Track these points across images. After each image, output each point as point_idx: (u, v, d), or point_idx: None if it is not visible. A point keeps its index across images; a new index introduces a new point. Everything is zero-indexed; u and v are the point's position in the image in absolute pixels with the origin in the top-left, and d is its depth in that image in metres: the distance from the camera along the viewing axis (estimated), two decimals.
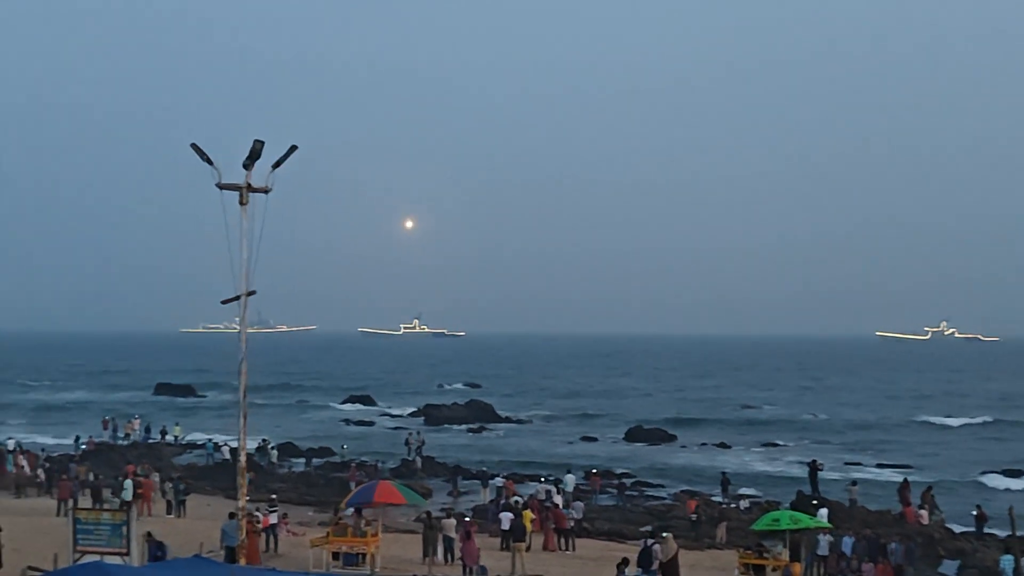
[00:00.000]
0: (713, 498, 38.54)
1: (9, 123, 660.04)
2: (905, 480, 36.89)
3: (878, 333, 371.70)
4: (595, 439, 65.83)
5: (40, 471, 40.11)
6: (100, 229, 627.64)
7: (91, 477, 37.61)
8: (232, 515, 25.52)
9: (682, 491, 43.08)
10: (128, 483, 32.98)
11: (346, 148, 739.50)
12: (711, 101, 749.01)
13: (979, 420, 79.06)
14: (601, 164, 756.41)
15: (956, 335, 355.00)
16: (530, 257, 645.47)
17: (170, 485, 34.66)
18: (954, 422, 78.09)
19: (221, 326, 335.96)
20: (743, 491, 42.01)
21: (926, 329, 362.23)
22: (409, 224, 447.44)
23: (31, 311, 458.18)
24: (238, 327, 16.88)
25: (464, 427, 70.92)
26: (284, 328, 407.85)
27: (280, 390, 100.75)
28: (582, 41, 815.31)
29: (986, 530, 32.61)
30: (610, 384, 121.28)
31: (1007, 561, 24.16)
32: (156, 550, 21.08)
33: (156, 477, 36.27)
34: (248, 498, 18.28)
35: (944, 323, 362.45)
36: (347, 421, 75.30)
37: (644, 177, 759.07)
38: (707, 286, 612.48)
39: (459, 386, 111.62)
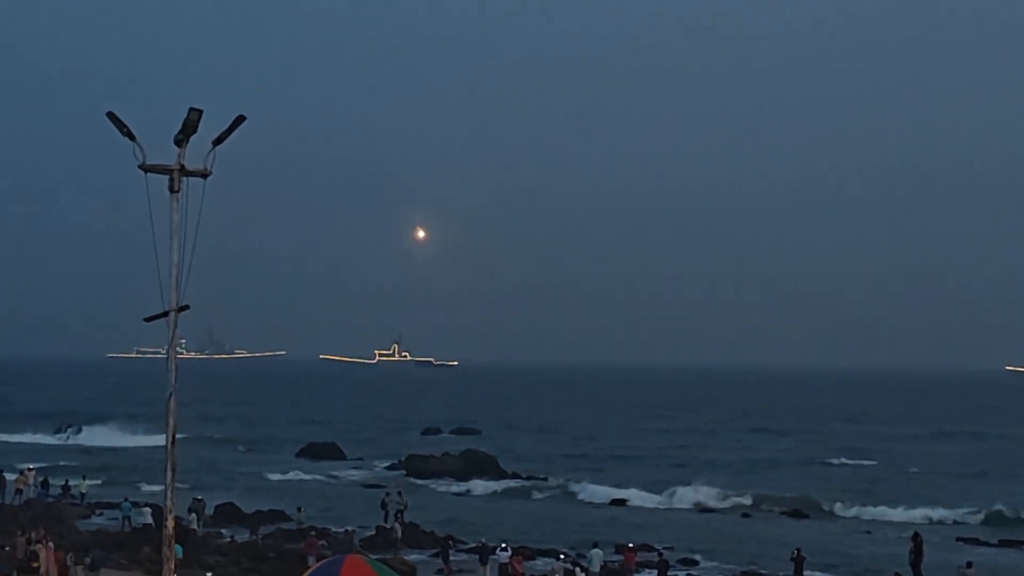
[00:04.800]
0: None
1: None
2: None
3: (1008, 367, 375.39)
4: (626, 501, 65.46)
5: None
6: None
7: None
8: None
9: (741, 572, 42.75)
10: None
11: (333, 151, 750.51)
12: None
13: None
14: (617, 184, 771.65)
15: None
16: (533, 276, 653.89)
17: (86, 560, 34.26)
18: None
19: (161, 350, 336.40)
20: (821, 573, 41.63)
21: None
22: (421, 234, 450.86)
23: None
24: (181, 351, 16.72)
25: (457, 484, 70.80)
26: (245, 354, 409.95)
27: (221, 434, 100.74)
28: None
29: None
30: (643, 426, 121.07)
31: None
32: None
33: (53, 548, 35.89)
34: (176, 575, 18.06)
35: None
36: (305, 477, 75.03)
37: (686, 186, 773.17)
38: (813, 312, 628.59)
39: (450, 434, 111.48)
